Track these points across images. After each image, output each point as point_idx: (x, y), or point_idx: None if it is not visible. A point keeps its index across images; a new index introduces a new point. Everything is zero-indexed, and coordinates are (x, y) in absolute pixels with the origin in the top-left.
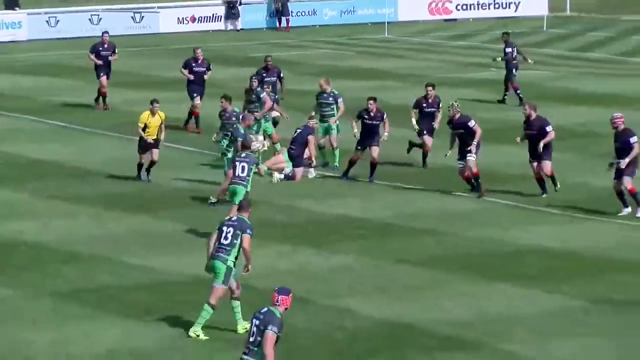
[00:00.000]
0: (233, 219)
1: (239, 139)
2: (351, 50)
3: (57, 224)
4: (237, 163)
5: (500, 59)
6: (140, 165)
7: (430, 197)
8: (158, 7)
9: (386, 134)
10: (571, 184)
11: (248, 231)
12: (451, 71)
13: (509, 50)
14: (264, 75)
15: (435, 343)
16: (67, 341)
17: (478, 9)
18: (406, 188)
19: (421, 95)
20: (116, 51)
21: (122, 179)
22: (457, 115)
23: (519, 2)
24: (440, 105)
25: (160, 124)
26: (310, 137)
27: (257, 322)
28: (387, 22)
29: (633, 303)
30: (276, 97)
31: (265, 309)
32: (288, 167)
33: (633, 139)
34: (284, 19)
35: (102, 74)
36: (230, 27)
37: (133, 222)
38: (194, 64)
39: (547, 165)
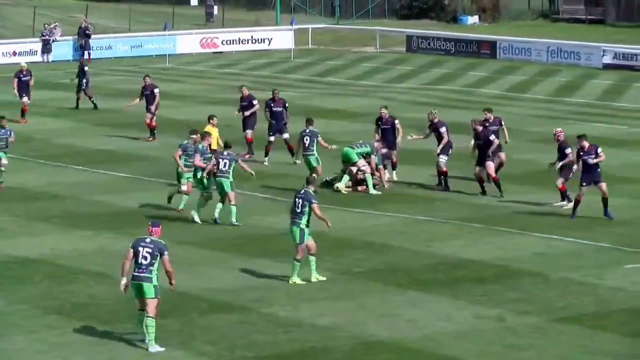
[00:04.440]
0: (302, 192)
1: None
2: (140, 76)
3: None
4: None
5: (72, 79)
6: None
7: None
8: None
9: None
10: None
11: (314, 200)
12: (219, 92)
13: (86, 68)
14: (272, 105)
15: (207, 306)
16: None
17: (239, 43)
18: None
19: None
20: None
21: None
22: (436, 120)
23: (272, 38)
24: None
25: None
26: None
27: (150, 250)
28: (168, 54)
29: (367, 274)
30: (284, 123)
31: (149, 239)
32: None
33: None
34: (86, 52)
35: None
36: (44, 59)
37: None
38: (21, 75)
39: (491, 166)
